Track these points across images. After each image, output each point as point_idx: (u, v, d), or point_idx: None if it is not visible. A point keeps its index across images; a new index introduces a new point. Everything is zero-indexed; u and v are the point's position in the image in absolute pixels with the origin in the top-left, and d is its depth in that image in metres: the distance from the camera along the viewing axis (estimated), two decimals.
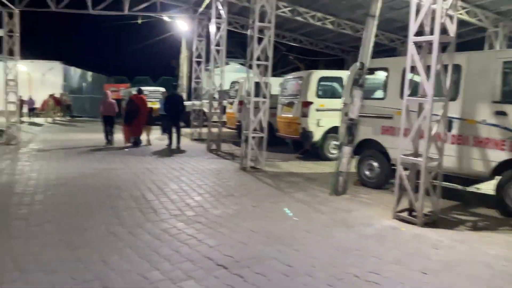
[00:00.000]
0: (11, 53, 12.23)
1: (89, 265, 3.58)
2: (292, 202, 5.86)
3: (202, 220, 4.90)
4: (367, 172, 6.89)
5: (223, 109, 11.81)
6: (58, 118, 23.64)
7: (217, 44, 11.01)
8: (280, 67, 27.44)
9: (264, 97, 8.11)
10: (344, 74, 9.69)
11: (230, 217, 5.08)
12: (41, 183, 6.76)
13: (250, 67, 8.02)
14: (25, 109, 22.99)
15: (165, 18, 18.50)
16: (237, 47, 29.75)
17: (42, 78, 27.15)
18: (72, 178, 7.20)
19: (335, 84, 9.85)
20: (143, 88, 18.13)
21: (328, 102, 9.46)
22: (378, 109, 6.59)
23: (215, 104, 11.50)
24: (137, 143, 11.85)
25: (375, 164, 6.73)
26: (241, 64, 26.46)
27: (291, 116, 9.77)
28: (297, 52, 25.37)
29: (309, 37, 15.70)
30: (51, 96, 23.89)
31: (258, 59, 7.91)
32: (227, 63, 23.69)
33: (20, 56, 12.83)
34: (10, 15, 11.96)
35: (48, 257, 3.76)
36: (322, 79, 9.59)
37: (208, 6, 12.50)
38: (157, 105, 14.94)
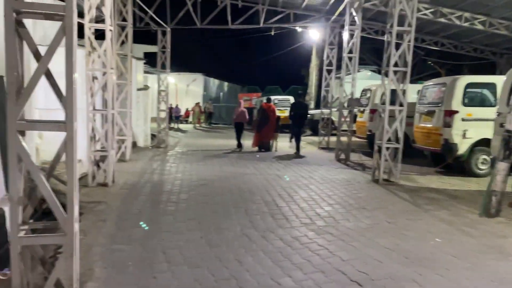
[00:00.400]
0: (163, 67, 13.92)
1: (226, 264, 3.77)
2: (433, 220, 5.32)
3: (333, 232, 4.77)
4: None
5: (354, 118, 11.47)
6: (201, 125, 26.07)
7: (350, 51, 10.77)
8: (416, 73, 25.55)
9: (401, 105, 7.59)
10: (498, 80, 8.53)
11: (362, 231, 4.84)
12: (185, 183, 7.45)
13: (386, 73, 7.60)
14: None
15: (297, 28, 18.98)
16: (368, 53, 28.81)
17: (186, 89, 30.32)
18: (210, 179, 7.78)
19: (486, 91, 8.71)
20: (272, 97, 19.03)
21: (476, 111, 8.41)
22: None
23: (345, 112, 11.24)
24: (266, 148, 12.50)
25: None
26: (373, 71, 25.48)
27: (431, 126, 8.95)
28: (437, 57, 23.41)
29: (453, 39, 14.28)
30: (197, 104, 26.55)
31: (396, 65, 7.45)
32: (358, 70, 23.19)
33: (170, 69, 14.53)
34: (163, 33, 13.62)
35: (191, 252, 4.08)
36: (470, 85, 8.56)
37: (341, 14, 12.36)
38: (285, 113, 15.31)
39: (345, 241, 4.46)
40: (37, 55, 2.33)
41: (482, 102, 8.66)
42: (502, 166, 5.31)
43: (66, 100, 2.24)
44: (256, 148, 12.58)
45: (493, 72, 14.20)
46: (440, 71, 23.14)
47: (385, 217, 5.45)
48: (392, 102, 7.68)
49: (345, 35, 10.69)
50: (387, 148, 7.64)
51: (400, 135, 7.62)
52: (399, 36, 7.47)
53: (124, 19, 10.08)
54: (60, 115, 2.38)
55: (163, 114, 14.02)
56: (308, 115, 13.19)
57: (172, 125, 23.89)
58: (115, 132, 9.81)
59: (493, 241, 4.55)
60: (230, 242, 4.36)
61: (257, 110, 13.98)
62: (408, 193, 6.96)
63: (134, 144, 12.70)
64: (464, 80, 8.56)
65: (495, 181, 5.37)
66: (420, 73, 25.65)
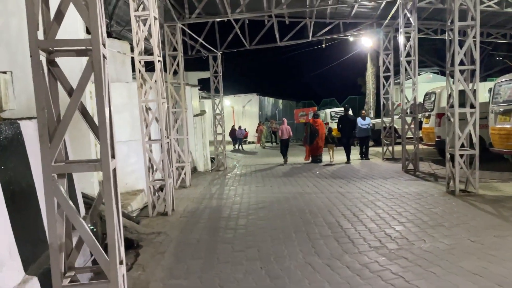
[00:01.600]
0: (216, 91, 14.09)
1: None
2: None
3: (407, 256, 4.25)
4: None
5: (419, 124, 10.67)
6: (267, 144, 25.99)
7: (408, 55, 10.10)
8: (484, 70, 23.67)
9: (472, 106, 6.85)
10: None
11: (442, 253, 4.26)
12: (244, 207, 7.25)
13: (451, 74, 6.93)
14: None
15: (349, 37, 18.46)
16: (428, 54, 27.32)
17: (242, 110, 30.68)
18: (269, 202, 7.51)
19: None
20: (328, 110, 19.16)
21: None
22: None
23: (409, 119, 10.49)
24: (317, 160, 13.39)
25: None
26: (435, 72, 24.02)
27: (510, 126, 8.01)
28: (506, 50, 21.57)
29: None
30: (260, 124, 26.62)
31: (461, 63, 6.76)
32: (418, 74, 21.94)
33: (224, 93, 14.69)
34: (214, 58, 13.82)
35: (250, 285, 3.80)
36: None
37: (394, 17, 11.74)
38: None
39: (422, 266, 3.93)
40: (71, 93, 2.25)
41: None
42: None
43: (100, 136, 2.11)
44: (308, 161, 13.62)
45: None
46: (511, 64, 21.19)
47: (467, 235, 4.80)
48: (462, 104, 6.97)
49: (401, 38, 10.06)
50: (461, 155, 6.89)
51: (475, 139, 6.85)
52: (462, 32, 6.81)
53: (175, 49, 10.32)
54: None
55: (220, 137, 14.11)
56: (363, 127, 13.21)
57: (236, 147, 24.13)
58: (174, 160, 9.97)
59: None
60: (292, 273, 4.02)
61: (305, 125, 14.96)
62: (491, 204, 6.16)
63: (195, 169, 12.86)
64: None
65: None
66: (488, 70, 23.72)
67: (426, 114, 11.84)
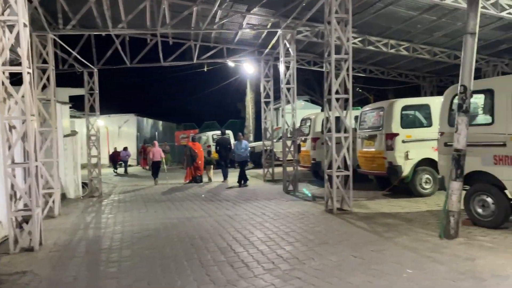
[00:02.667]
0: (92, 110, 12.99)
1: None
2: (398, 249, 5.11)
3: (300, 275, 4.34)
4: (479, 210, 5.94)
5: (298, 148, 11.39)
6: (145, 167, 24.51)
7: (287, 82, 10.78)
8: None
9: (346, 131, 7.56)
10: (431, 101, 8.92)
11: (331, 270, 4.47)
12: (127, 236, 6.66)
13: (328, 102, 7.57)
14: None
15: (230, 63, 19.05)
16: (299, 84, 29.72)
17: (118, 131, 28.92)
18: (156, 229, 7.05)
19: (420, 113, 9.05)
20: (210, 132, 20.11)
21: (415, 132, 8.67)
22: (485, 136, 5.75)
23: (289, 142, 11.12)
24: (197, 180, 14.27)
25: (489, 199, 5.79)
26: (306, 100, 26.23)
27: (374, 150, 9.06)
28: (363, 83, 24.71)
29: (380, 66, 15.06)
30: (142, 146, 25.11)
31: (337, 92, 7.45)
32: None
33: (99, 112, 13.63)
34: (90, 74, 12.79)
35: None
36: (406, 107, 8.85)
37: (274, 46, 12.49)
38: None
39: (315, 285, 4.05)
40: None
41: (419, 123, 8.97)
42: (456, 185, 5.31)
43: None
44: (187, 181, 14.41)
45: (415, 95, 15.11)
46: (369, 96, 24.40)
47: (350, 251, 5.15)
48: (336, 129, 7.64)
49: (281, 67, 10.72)
50: (338, 176, 7.50)
51: (349, 162, 7.54)
52: (336, 65, 7.52)
53: (45, 61, 9.22)
54: None
55: (95, 160, 12.96)
56: (239, 152, 13.26)
57: (117, 171, 22.36)
58: (40, 186, 8.75)
59: (462, 265, 4.40)
60: None
61: (185, 148, 15.74)
62: (364, 221, 6.79)
63: (64, 196, 11.50)
64: (400, 103, 8.84)
65: (450, 202, 5.35)
66: None
67: (303, 138, 12.75)
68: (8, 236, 5.92)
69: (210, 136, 22.28)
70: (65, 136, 12.05)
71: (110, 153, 24.29)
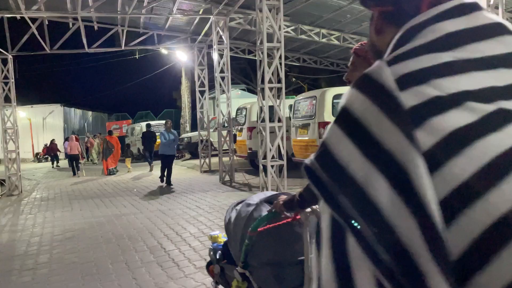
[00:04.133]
0: (7, 100, 11.80)
1: None
2: None
3: None
4: None
5: (234, 137, 11.23)
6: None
7: (221, 71, 10.52)
8: None
9: (280, 121, 7.52)
10: None
11: None
12: (46, 239, 6.09)
13: (262, 91, 7.46)
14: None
15: (163, 50, 18.33)
16: (235, 72, 29.56)
17: (43, 122, 26.85)
18: (80, 229, 6.53)
19: None
20: (143, 123, 20.35)
21: None
22: None
23: (224, 132, 10.91)
24: (113, 172, 14.85)
25: None
26: (242, 89, 26.11)
27: (308, 138, 9.16)
28: (297, 72, 25.13)
29: (313, 55, 15.28)
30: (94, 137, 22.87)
31: (270, 81, 7.36)
32: None
33: (19, 103, 12.44)
34: (4, 62, 11.58)
35: None
36: (337, 96, 9.00)
37: (207, 34, 12.14)
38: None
39: None
40: None
41: None
42: None
43: None
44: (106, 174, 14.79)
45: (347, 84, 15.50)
46: (303, 85, 24.86)
47: None
48: (270, 119, 7.58)
49: (215, 55, 10.43)
50: (272, 166, 7.45)
51: (283, 151, 7.52)
52: (268, 53, 7.42)
53: None
54: None
55: (13, 155, 11.82)
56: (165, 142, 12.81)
57: (55, 165, 20.64)
58: None
59: None
60: None
61: (102, 141, 16.45)
62: None
63: None
64: (331, 92, 8.97)
65: None
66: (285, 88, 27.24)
67: (239, 127, 12.62)
68: None
69: (144, 126, 21.43)
70: None
71: (47, 145, 22.44)
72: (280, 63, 7.26)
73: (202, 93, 13.68)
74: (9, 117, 12.02)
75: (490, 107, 0.53)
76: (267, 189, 7.50)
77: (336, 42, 12.07)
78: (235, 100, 18.02)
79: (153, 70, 26.46)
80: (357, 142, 0.54)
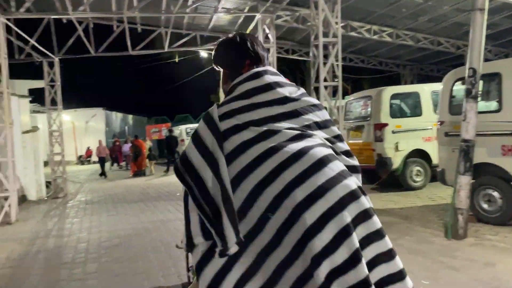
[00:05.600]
0: (53, 103, 11.89)
1: None
2: (404, 254, 4.53)
3: None
4: (484, 205, 5.46)
5: None
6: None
7: None
8: None
9: (336, 123, 6.94)
10: (420, 89, 8.43)
11: None
12: (93, 245, 5.82)
13: (316, 90, 6.94)
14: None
15: (202, 53, 18.17)
16: None
17: (85, 126, 27.47)
18: (126, 236, 6.24)
19: (410, 101, 8.55)
20: (183, 126, 22.05)
21: (404, 122, 8.17)
22: (491, 124, 5.26)
23: None
24: (141, 174, 16.14)
25: (496, 194, 5.31)
26: None
27: (362, 142, 8.52)
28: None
29: (360, 54, 14.56)
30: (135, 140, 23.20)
31: (325, 80, 6.82)
32: None
33: (63, 106, 12.53)
34: (50, 65, 11.68)
35: None
36: (395, 96, 8.33)
37: (251, 33, 11.74)
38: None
39: None
40: None
41: (408, 112, 8.48)
42: (464, 180, 4.79)
43: None
44: (133, 176, 16.13)
45: (391, 84, 14.73)
46: (347, 86, 23.95)
47: None
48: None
49: None
50: None
51: None
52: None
53: None
54: None
55: (58, 158, 11.90)
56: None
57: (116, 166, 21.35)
58: None
59: (482, 272, 3.87)
60: None
61: (130, 145, 18.32)
62: None
63: (24, 198, 10.44)
64: (389, 91, 8.30)
65: (458, 198, 4.82)
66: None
67: None
68: None
69: (184, 129, 21.34)
70: (24, 132, 10.95)
71: (109, 147, 22.63)
72: (337, 59, 6.70)
73: None
74: (55, 120, 12.13)
75: (263, 128, 1.43)
76: None
77: (388, 39, 11.33)
78: None
79: (192, 73, 26.45)
80: (197, 147, 1.44)
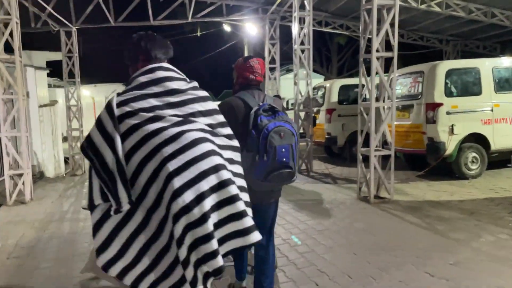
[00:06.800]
0: (71, 75, 11.24)
1: None
2: (486, 262, 3.68)
3: None
4: None
5: (313, 121, 9.85)
6: None
7: (301, 43, 9.11)
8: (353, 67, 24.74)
9: (388, 100, 6.02)
10: (480, 64, 7.38)
11: None
12: None
13: (365, 62, 6.01)
14: None
15: (226, 27, 17.21)
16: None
17: (106, 101, 27.02)
18: None
19: (468, 78, 7.49)
20: None
21: (462, 101, 7.18)
22: None
23: (302, 115, 9.54)
24: None
25: None
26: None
27: (410, 123, 7.57)
28: None
29: (400, 28, 13.28)
30: None
31: (377, 51, 5.86)
32: (292, 70, 21.81)
33: (83, 81, 11.88)
34: (68, 35, 10.97)
35: None
36: (451, 72, 7.30)
37: (281, 3, 10.74)
38: None
39: None
40: None
41: (467, 91, 7.45)
42: None
43: None
44: None
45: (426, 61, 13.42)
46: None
47: (418, 263, 3.72)
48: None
49: (295, 24, 9.01)
50: (375, 156, 6.00)
51: (390, 138, 6.05)
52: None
53: (8, 13, 7.39)
54: None
55: (76, 133, 11.32)
56: None
57: None
58: (6, 166, 7.23)
59: None
60: None
61: None
62: (413, 213, 5.36)
63: (41, 175, 9.94)
64: (444, 66, 7.28)
65: None
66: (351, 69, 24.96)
67: (314, 109, 11.19)
68: None
69: None
70: (41, 106, 10.37)
71: None
72: (392, 25, 5.73)
73: (271, 70, 12.40)
74: (73, 94, 11.51)
75: (150, 114, 1.83)
76: (368, 187, 6.09)
77: (437, 9, 10.00)
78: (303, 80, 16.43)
79: (214, 49, 25.51)
80: (99, 129, 1.85)
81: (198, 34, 22.08)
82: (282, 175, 2.51)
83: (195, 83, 2.07)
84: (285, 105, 10.40)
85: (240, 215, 1.85)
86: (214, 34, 23.87)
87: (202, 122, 1.92)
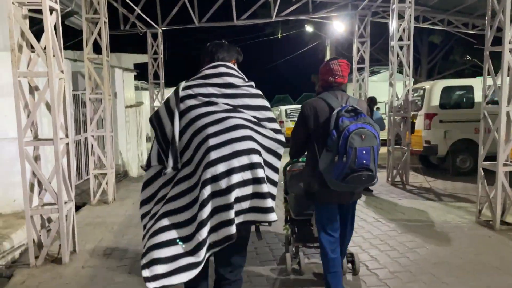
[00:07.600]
0: (156, 77, 11.33)
1: None
2: None
3: None
4: None
5: (412, 126, 8.72)
6: None
7: (400, 39, 8.07)
8: (438, 72, 22.70)
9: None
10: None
11: None
12: None
13: (492, 55, 4.89)
14: None
15: (309, 28, 16.48)
16: (383, 52, 26.02)
17: None
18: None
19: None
20: (283, 107, 19.05)
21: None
22: None
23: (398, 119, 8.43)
24: None
25: None
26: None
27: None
28: (464, 44, 20.52)
29: (464, 15, 11.22)
30: None
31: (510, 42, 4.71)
32: (378, 72, 20.31)
33: (167, 83, 11.97)
34: (154, 36, 11.05)
35: None
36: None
37: None
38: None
39: None
40: None
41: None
42: None
43: None
44: None
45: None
46: (478, 62, 19.98)
47: None
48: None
49: (394, 18, 7.98)
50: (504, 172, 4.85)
51: None
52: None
53: (97, 12, 7.41)
54: None
55: None
56: None
57: None
58: (92, 165, 7.23)
59: None
60: None
61: None
62: None
63: (125, 174, 10.05)
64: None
65: None
66: (442, 71, 22.67)
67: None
68: (28, 242, 4.22)
69: (283, 110, 19.95)
70: (127, 107, 10.54)
71: None
72: None
73: (359, 71, 11.42)
74: (157, 95, 11.61)
75: (206, 99, 2.17)
76: (492, 209, 4.95)
77: None
78: (383, 83, 14.95)
79: (294, 51, 24.89)
80: (165, 106, 2.26)
81: (279, 36, 21.64)
82: (362, 177, 2.57)
83: (251, 83, 2.34)
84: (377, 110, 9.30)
85: (263, 195, 2.09)
86: (295, 36, 23.28)
87: (248, 114, 2.20)
